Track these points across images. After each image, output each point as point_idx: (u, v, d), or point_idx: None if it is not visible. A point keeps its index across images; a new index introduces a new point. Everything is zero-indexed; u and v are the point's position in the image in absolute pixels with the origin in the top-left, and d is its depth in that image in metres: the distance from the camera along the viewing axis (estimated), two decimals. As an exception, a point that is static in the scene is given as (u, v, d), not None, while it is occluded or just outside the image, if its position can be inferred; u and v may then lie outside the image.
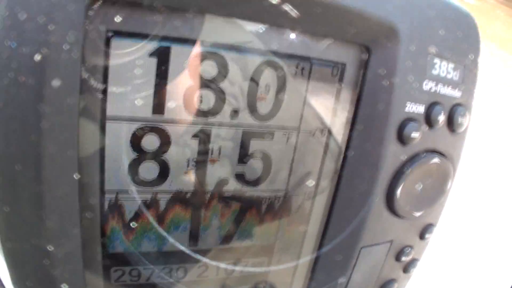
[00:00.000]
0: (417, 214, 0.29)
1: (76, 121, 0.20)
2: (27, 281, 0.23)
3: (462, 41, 0.27)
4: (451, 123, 0.28)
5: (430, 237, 0.32)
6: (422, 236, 0.31)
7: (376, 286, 0.32)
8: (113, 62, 0.22)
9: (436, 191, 0.29)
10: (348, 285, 0.30)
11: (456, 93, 0.28)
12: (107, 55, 0.21)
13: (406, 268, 0.32)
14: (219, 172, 0.26)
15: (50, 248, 0.22)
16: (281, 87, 0.25)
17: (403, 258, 0.31)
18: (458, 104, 0.28)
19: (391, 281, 0.32)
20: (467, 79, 0.28)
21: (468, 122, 0.29)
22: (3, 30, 0.18)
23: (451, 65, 0.27)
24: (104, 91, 0.22)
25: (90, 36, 0.20)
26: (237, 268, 0.29)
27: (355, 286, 0.30)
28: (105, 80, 0.22)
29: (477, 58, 0.29)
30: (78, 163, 0.21)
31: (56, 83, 0.19)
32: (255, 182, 0.27)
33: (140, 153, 0.24)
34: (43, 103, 0.19)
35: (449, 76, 0.27)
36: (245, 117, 0.25)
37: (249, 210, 0.27)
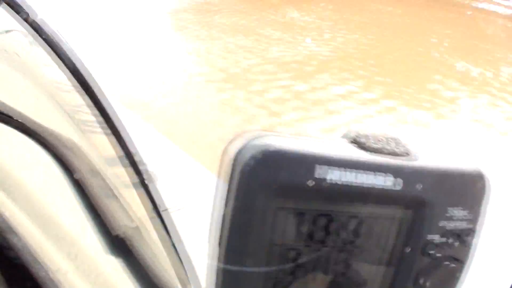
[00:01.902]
0: None
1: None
2: None
3: (473, 191, 0.43)
4: (462, 242, 0.44)
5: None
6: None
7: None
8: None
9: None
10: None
11: (467, 225, 0.44)
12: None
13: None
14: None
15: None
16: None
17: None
18: (468, 231, 0.44)
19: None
20: (476, 216, 0.44)
21: (477, 241, 0.45)
22: None
23: (462, 210, 0.43)
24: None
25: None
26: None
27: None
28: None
29: (487, 201, 0.44)
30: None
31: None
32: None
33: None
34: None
35: (461, 215, 0.43)
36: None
37: None
